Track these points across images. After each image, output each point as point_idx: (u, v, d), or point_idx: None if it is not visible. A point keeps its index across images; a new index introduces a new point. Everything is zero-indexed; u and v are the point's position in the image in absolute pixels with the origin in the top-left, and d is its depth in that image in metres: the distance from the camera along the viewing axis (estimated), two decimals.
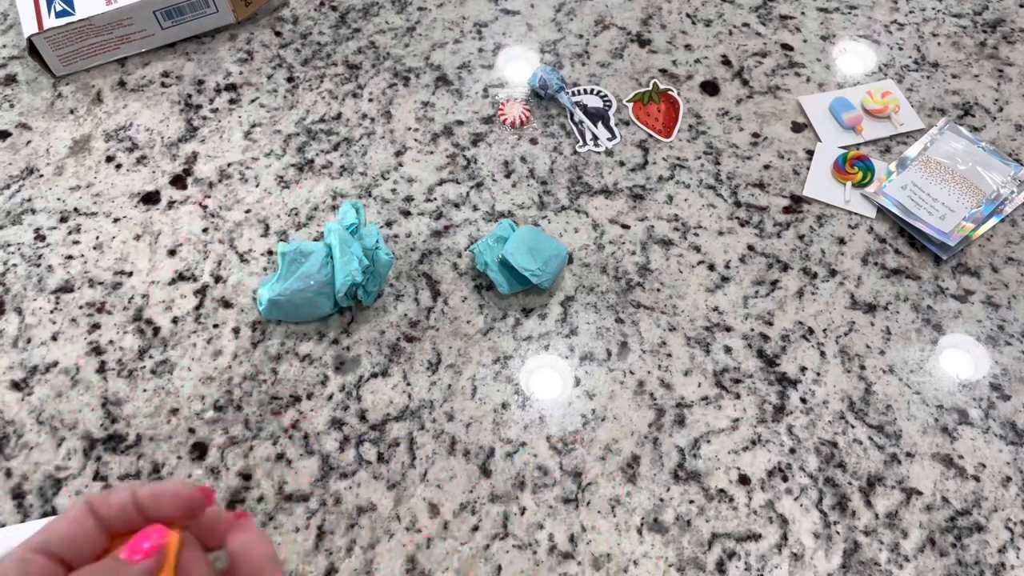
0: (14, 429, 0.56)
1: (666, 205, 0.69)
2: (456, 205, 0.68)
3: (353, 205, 0.61)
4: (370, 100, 0.74)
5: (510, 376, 0.60)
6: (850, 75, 0.79)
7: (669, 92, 0.76)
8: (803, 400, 0.60)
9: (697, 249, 0.67)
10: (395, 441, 0.57)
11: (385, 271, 0.60)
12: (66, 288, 0.62)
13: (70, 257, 0.64)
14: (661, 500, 0.55)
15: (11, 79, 0.74)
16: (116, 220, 0.66)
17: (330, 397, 0.58)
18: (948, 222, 0.68)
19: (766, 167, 0.72)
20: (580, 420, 0.58)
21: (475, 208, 0.68)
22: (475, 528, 0.54)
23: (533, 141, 0.72)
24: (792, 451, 0.58)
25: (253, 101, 0.73)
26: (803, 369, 0.61)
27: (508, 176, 0.70)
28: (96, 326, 0.60)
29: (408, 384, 0.59)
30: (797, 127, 0.75)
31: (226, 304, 0.62)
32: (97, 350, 0.59)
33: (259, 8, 0.79)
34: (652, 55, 0.79)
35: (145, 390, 0.58)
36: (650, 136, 0.73)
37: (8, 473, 0.54)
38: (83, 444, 0.56)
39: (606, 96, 0.76)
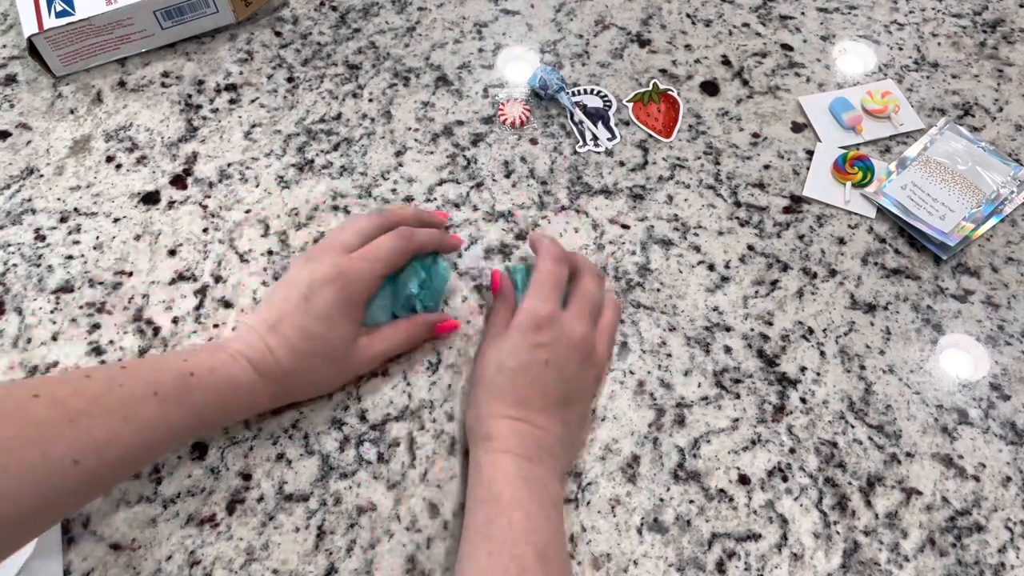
0: None
1: (666, 205, 0.69)
2: (456, 205, 0.68)
3: None
4: (370, 100, 0.74)
5: None
6: (850, 75, 0.79)
7: (669, 92, 0.76)
8: (803, 400, 0.60)
9: (697, 249, 0.67)
10: (395, 441, 0.57)
11: (442, 285, 0.60)
12: (66, 288, 0.62)
13: (70, 257, 0.64)
14: (661, 500, 0.55)
15: (11, 79, 0.74)
16: (116, 220, 0.66)
17: (330, 397, 0.58)
18: (948, 222, 0.68)
19: (766, 167, 0.72)
20: None
21: (475, 208, 0.68)
22: None
23: (533, 141, 0.72)
24: (792, 451, 0.58)
25: (253, 101, 0.74)
26: (803, 369, 0.61)
27: (508, 176, 0.70)
28: (96, 326, 0.60)
29: (408, 384, 0.59)
30: (797, 127, 0.75)
31: (226, 304, 0.62)
32: (97, 350, 0.59)
33: (259, 8, 0.79)
34: (652, 55, 0.79)
35: None
36: (650, 136, 0.73)
37: None
38: None
39: (606, 96, 0.76)
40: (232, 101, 0.73)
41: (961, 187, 0.70)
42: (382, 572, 0.52)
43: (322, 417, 0.57)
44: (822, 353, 0.62)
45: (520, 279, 0.60)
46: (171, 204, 0.67)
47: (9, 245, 0.64)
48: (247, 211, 0.67)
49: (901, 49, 0.81)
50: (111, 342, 0.60)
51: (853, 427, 0.59)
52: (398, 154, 0.71)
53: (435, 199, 0.68)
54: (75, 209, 0.66)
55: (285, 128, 0.72)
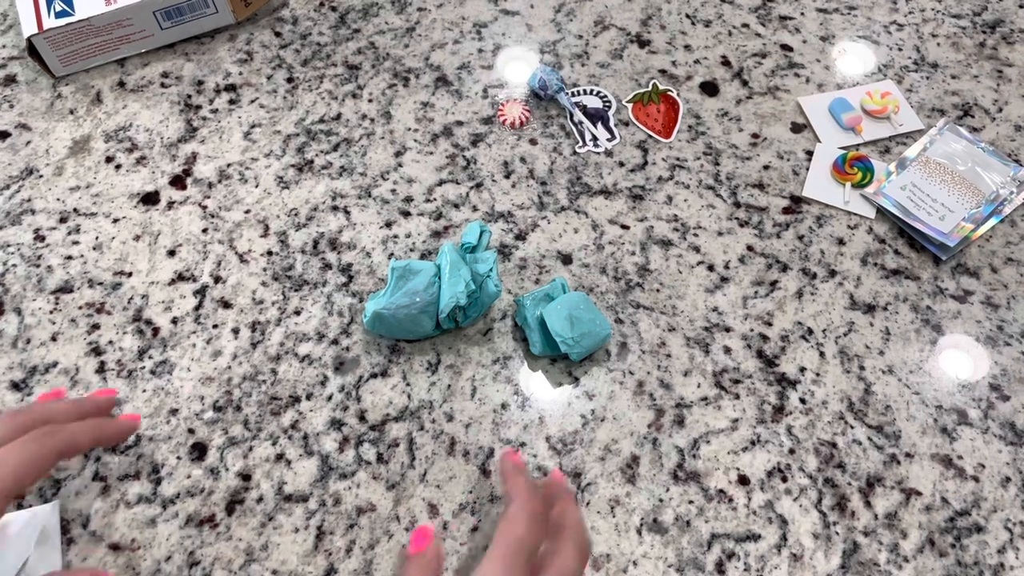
0: None
1: (666, 205, 0.69)
2: (456, 205, 0.68)
3: (480, 227, 0.61)
4: (370, 100, 0.74)
5: (510, 376, 0.60)
6: (850, 76, 0.79)
7: (669, 92, 0.76)
8: (802, 400, 0.60)
9: (697, 249, 0.67)
10: (395, 441, 0.57)
11: (489, 301, 0.59)
12: (66, 288, 0.62)
13: (70, 257, 0.64)
14: (660, 500, 0.55)
15: (11, 79, 0.74)
16: (116, 220, 0.66)
17: (330, 397, 0.58)
18: (947, 222, 0.68)
19: (766, 167, 0.72)
20: (580, 420, 0.58)
21: (475, 208, 0.68)
22: (475, 528, 0.54)
23: (533, 142, 0.72)
24: (791, 451, 0.58)
25: (253, 101, 0.74)
26: (802, 369, 0.61)
27: (508, 176, 0.70)
28: (96, 326, 0.60)
29: (408, 384, 0.59)
30: (797, 128, 0.75)
31: (226, 304, 0.62)
32: (97, 350, 0.59)
33: (259, 8, 0.79)
34: (652, 55, 0.79)
35: (145, 390, 0.58)
36: (650, 136, 0.73)
37: None
38: None
39: (606, 96, 0.76)
40: (232, 101, 0.73)
41: (961, 187, 0.70)
42: (382, 572, 0.52)
43: (322, 417, 0.57)
44: (822, 353, 0.62)
45: (530, 315, 0.59)
46: (171, 204, 0.67)
47: (9, 245, 0.64)
48: (247, 211, 0.67)
49: (901, 49, 0.81)
50: (111, 342, 0.60)
51: (853, 427, 0.59)
52: (398, 154, 0.71)
53: (435, 199, 0.68)
54: (75, 209, 0.66)
55: (285, 128, 0.72)
